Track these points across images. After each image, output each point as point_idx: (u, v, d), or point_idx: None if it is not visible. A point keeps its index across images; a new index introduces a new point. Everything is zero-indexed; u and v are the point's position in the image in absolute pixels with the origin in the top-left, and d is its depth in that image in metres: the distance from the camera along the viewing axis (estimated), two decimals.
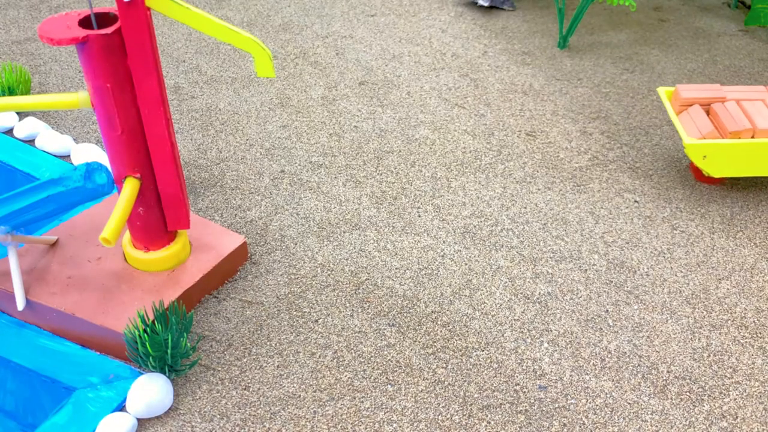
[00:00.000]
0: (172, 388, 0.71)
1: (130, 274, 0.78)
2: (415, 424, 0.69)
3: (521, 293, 0.83)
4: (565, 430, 0.69)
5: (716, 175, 0.94)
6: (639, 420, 0.70)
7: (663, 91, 1.01)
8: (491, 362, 0.75)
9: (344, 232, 0.90)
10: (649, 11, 1.43)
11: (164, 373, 0.71)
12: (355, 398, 0.71)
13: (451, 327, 0.78)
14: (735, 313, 0.81)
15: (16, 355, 0.74)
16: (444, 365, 0.74)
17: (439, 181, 0.99)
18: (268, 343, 0.76)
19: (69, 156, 1.00)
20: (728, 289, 0.84)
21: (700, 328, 0.79)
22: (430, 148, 1.05)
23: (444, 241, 0.89)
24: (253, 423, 0.69)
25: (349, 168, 1.01)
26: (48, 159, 0.98)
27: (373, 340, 0.77)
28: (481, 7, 1.45)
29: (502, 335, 0.78)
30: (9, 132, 1.04)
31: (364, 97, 1.16)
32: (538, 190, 0.98)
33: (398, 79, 1.21)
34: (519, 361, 0.75)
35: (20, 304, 0.74)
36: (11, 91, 1.06)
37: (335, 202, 0.95)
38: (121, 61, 0.65)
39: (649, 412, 0.70)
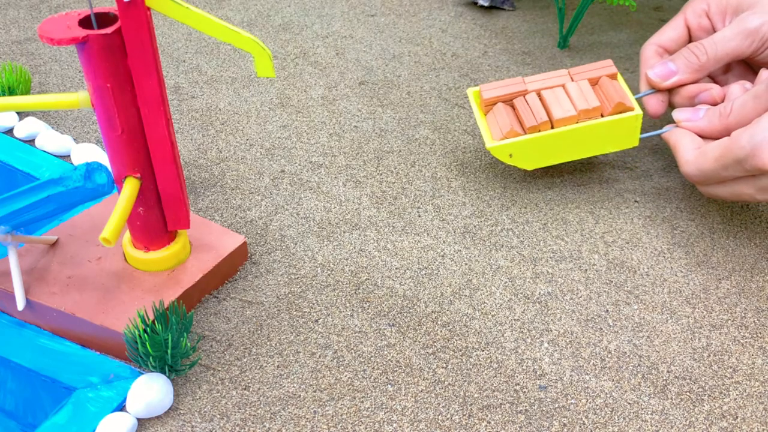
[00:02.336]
0: (172, 388, 0.71)
1: (130, 274, 0.78)
2: (415, 424, 0.69)
3: (521, 293, 0.83)
4: (565, 429, 0.69)
5: (528, 168, 0.94)
6: (639, 420, 0.70)
7: (471, 93, 0.97)
8: (491, 362, 0.75)
9: (344, 232, 0.90)
10: (649, 11, 1.43)
11: (164, 373, 0.71)
12: (355, 398, 0.71)
13: (451, 327, 0.78)
14: (735, 313, 0.81)
15: (16, 355, 0.74)
16: (444, 365, 0.74)
17: (439, 181, 0.99)
18: (268, 343, 0.76)
19: (69, 156, 1.00)
20: (728, 288, 0.84)
21: (700, 327, 0.79)
22: (430, 148, 1.05)
23: (444, 241, 0.89)
24: (253, 423, 0.69)
25: (349, 168, 1.01)
26: (48, 159, 0.98)
27: (373, 340, 0.77)
28: (481, 7, 1.45)
29: (502, 335, 0.78)
30: (9, 132, 1.04)
31: (364, 97, 1.16)
32: (538, 190, 0.98)
33: (398, 79, 1.21)
34: (519, 361, 0.75)
35: (20, 304, 0.74)
36: (11, 91, 1.06)
37: (335, 202, 0.95)
38: (122, 61, 0.65)
39: (649, 412, 0.70)
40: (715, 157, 0.81)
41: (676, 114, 0.89)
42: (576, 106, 0.91)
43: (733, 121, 0.83)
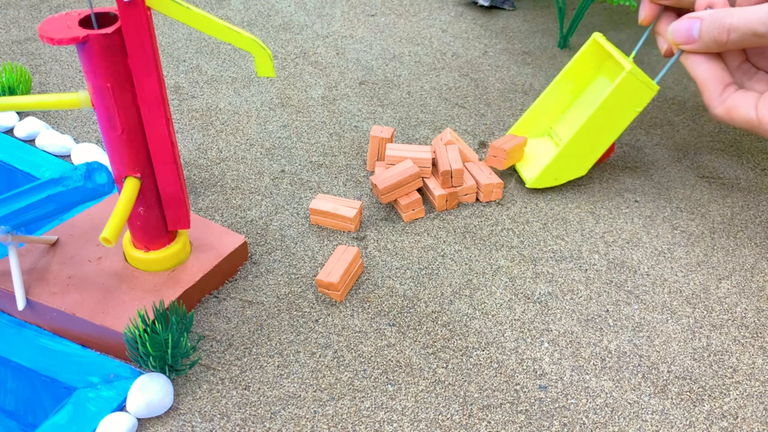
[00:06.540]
0: (172, 387, 0.71)
1: (130, 274, 0.78)
2: (416, 424, 0.69)
3: (521, 293, 0.83)
4: (565, 429, 0.69)
5: (582, 173, 0.97)
6: (639, 420, 0.70)
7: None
8: (491, 362, 0.75)
9: (344, 232, 0.90)
10: None
11: (164, 373, 0.71)
12: (355, 398, 0.71)
13: (451, 327, 0.78)
14: (735, 312, 0.81)
15: (16, 355, 0.74)
16: (444, 365, 0.74)
17: None
18: (269, 343, 0.76)
19: (69, 156, 1.00)
20: (729, 288, 0.84)
21: (701, 327, 0.79)
22: None
23: (444, 241, 0.89)
24: (253, 423, 0.69)
25: (349, 168, 1.01)
26: (48, 159, 0.98)
27: (374, 339, 0.77)
28: (482, 6, 1.45)
29: (503, 335, 0.78)
30: (9, 132, 1.04)
31: (365, 97, 1.16)
32: (538, 190, 0.98)
33: (398, 79, 1.21)
34: (519, 360, 0.75)
35: (20, 304, 0.74)
36: (11, 91, 1.06)
37: None
38: (122, 60, 0.65)
39: (649, 412, 0.70)
40: (744, 120, 0.79)
41: (672, 31, 0.82)
42: (465, 155, 0.96)
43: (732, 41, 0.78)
